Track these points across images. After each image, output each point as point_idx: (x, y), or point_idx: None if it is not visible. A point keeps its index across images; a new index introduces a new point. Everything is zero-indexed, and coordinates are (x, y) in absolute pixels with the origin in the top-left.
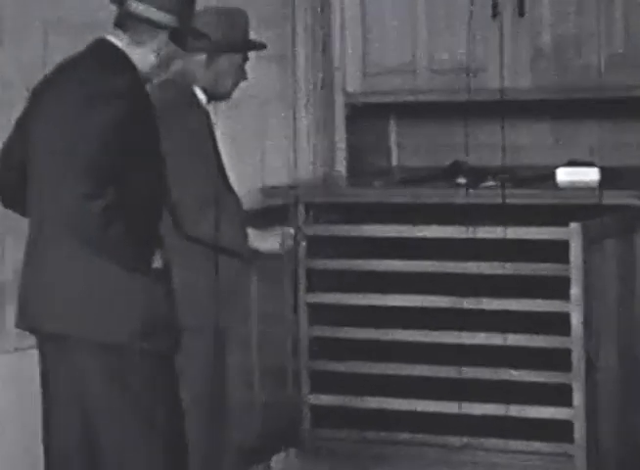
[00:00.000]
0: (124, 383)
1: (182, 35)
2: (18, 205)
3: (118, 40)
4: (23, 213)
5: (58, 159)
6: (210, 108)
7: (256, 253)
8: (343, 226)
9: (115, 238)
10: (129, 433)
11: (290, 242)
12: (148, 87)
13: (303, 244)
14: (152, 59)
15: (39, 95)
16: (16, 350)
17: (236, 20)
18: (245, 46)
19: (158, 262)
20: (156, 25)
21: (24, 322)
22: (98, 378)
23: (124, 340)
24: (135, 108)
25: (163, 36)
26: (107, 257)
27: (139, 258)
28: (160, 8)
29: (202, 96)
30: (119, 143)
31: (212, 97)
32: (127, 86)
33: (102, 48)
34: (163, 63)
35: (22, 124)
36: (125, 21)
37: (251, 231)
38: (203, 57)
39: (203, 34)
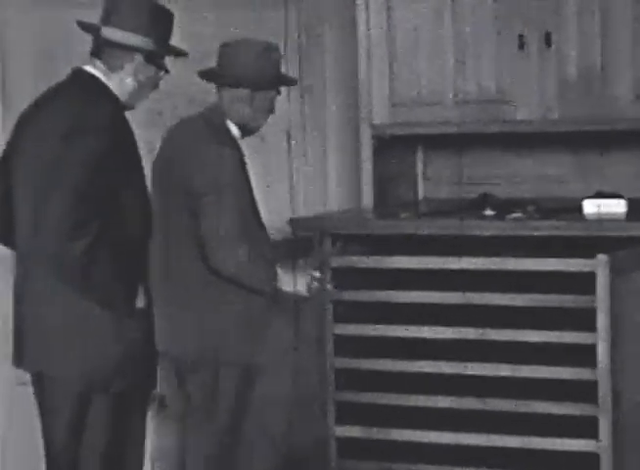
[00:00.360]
0: (97, 420)
1: (159, 57)
2: (8, 240)
3: (95, 69)
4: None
5: (38, 196)
6: (243, 142)
7: (282, 293)
8: (369, 258)
9: (98, 279)
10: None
11: (316, 285)
12: (179, 121)
13: (330, 286)
14: (130, 84)
15: (21, 128)
16: None
17: (272, 55)
18: (280, 82)
19: (140, 302)
20: (129, 49)
21: (17, 361)
22: (69, 414)
23: (100, 380)
24: (115, 139)
25: (139, 59)
26: (89, 298)
27: (122, 299)
28: (133, 31)
29: (235, 131)
30: (101, 177)
31: (245, 132)
32: (105, 118)
33: (79, 79)
34: (143, 87)
35: (5, 157)
36: (100, 48)
37: (279, 271)
38: (245, 92)
39: (182, 52)
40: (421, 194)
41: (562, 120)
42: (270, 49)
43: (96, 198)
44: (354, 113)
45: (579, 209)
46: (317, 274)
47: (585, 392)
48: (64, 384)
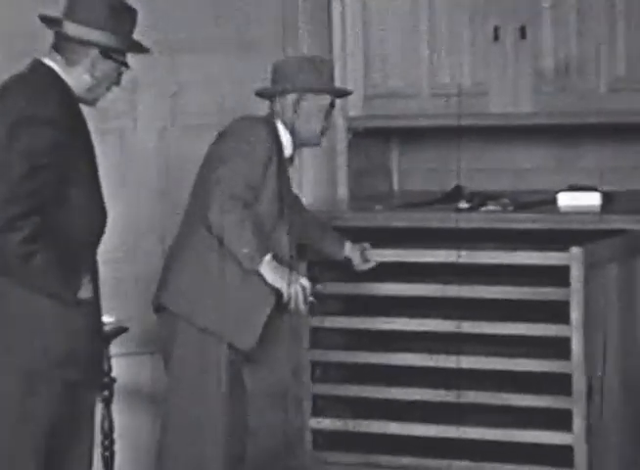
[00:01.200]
0: (39, 410)
1: (118, 52)
2: None
3: (53, 62)
4: None
5: None
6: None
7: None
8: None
9: (38, 270)
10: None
11: (299, 289)
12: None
13: (311, 299)
14: (86, 79)
15: None
16: None
17: (321, 65)
18: (328, 90)
19: (86, 292)
20: (85, 44)
21: None
22: (18, 400)
23: (42, 368)
24: (63, 133)
25: (95, 54)
26: (29, 288)
27: (64, 288)
28: (90, 26)
29: (286, 137)
30: (45, 170)
31: (298, 142)
32: (55, 112)
33: (35, 70)
34: (101, 83)
35: None
36: (59, 42)
37: (269, 256)
38: (292, 97)
39: (144, 48)
40: (396, 186)
41: (536, 113)
42: (318, 61)
43: (39, 190)
44: None
45: (554, 201)
46: (303, 281)
47: (559, 384)
48: (6, 373)
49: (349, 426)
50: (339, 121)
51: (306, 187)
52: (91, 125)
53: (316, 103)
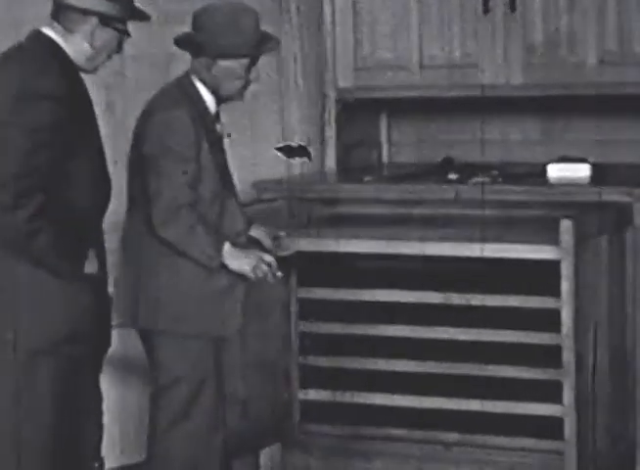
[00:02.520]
0: (45, 386)
1: (117, 20)
2: None
3: (53, 31)
4: None
5: None
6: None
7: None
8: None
9: (43, 247)
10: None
11: (264, 269)
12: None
13: (279, 274)
14: (86, 48)
15: None
16: None
17: (243, 22)
18: (250, 50)
19: (91, 267)
20: (84, 12)
21: None
22: (27, 380)
23: (47, 344)
24: (67, 109)
25: (94, 22)
26: (34, 264)
27: (68, 265)
28: None
29: (208, 97)
30: (49, 146)
31: (221, 99)
32: (58, 86)
33: (35, 41)
34: (101, 51)
35: None
36: (58, 10)
37: (227, 246)
38: (207, 60)
39: (144, 16)
40: (385, 158)
41: (526, 85)
42: (240, 15)
43: (43, 167)
44: (319, 76)
45: (543, 173)
46: (267, 258)
47: (547, 357)
48: (12, 350)
49: (337, 397)
50: (328, 92)
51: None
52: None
53: (235, 62)
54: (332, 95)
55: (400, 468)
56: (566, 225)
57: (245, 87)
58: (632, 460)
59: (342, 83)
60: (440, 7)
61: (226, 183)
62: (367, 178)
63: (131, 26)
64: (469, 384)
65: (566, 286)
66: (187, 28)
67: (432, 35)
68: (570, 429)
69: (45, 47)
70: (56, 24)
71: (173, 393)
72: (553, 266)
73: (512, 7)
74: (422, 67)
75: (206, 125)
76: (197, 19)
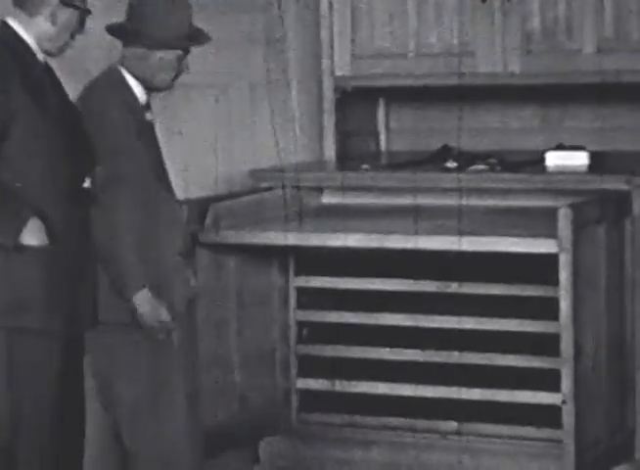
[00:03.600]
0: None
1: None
2: None
3: (16, 19)
4: None
5: None
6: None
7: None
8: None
9: None
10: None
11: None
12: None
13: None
14: (48, 28)
15: None
16: None
17: (179, 13)
18: (183, 42)
19: (31, 239)
20: None
21: None
22: None
23: None
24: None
25: (54, 2)
26: None
27: (1, 234)
28: None
29: (137, 88)
30: None
31: (150, 89)
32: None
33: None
34: (62, 31)
35: None
36: None
37: (144, 291)
38: (139, 50)
39: None
40: (383, 146)
41: (524, 73)
42: (172, 5)
43: None
44: (316, 65)
45: (542, 161)
46: (164, 317)
47: (545, 346)
48: None
49: (336, 386)
50: (326, 81)
51: (294, 147)
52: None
53: (171, 53)
54: (329, 84)
55: (398, 457)
56: (564, 214)
57: (174, 79)
58: (631, 448)
59: (339, 72)
60: None
61: (160, 177)
62: (365, 166)
63: None
64: (467, 373)
65: (564, 275)
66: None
67: (429, 23)
68: (568, 417)
69: (5, 37)
70: (18, 12)
71: None
72: (551, 255)
73: None
74: (419, 55)
75: (136, 115)
76: (133, 8)
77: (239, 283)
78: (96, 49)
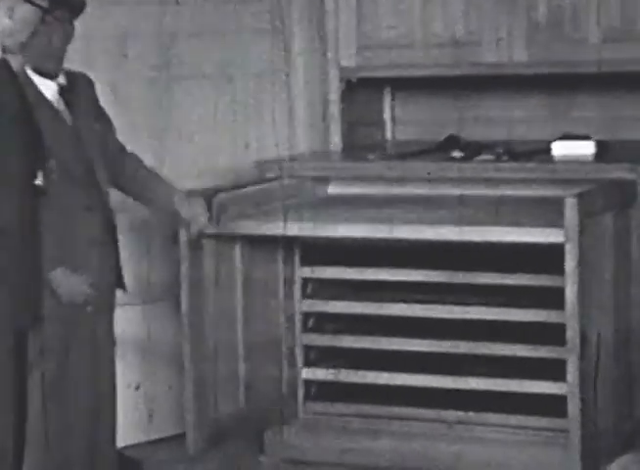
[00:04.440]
0: None
1: None
2: None
3: None
4: None
5: None
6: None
7: None
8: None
9: None
10: None
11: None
12: None
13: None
14: (7, 23)
15: None
16: None
17: None
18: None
19: None
20: None
21: None
22: None
23: None
24: None
25: None
26: None
27: None
28: None
29: (36, 78)
30: None
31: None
32: None
33: None
34: (22, 26)
35: None
36: None
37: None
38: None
39: None
40: (389, 136)
41: (530, 63)
42: None
43: None
44: (322, 55)
45: (548, 150)
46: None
47: (550, 335)
48: None
49: (342, 376)
50: (332, 71)
51: (300, 137)
52: None
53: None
54: (335, 74)
55: (405, 446)
56: (570, 203)
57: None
58: (637, 438)
59: (345, 62)
60: None
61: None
62: (371, 156)
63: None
64: (473, 362)
65: (570, 265)
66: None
67: (435, 13)
68: (574, 407)
69: None
70: None
71: None
72: (558, 244)
73: None
74: (425, 45)
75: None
76: None
77: (244, 273)
78: None
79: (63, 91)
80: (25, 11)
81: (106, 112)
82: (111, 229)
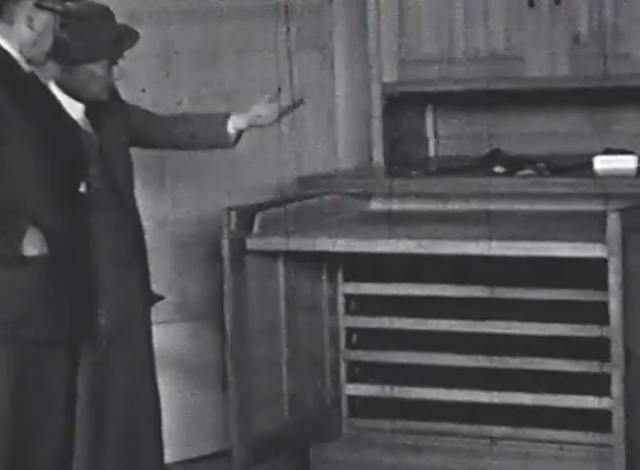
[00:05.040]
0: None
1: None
2: None
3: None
4: None
5: None
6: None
7: None
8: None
9: None
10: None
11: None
12: None
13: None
14: (27, 33)
15: None
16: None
17: (96, 23)
18: (108, 52)
19: (32, 249)
20: None
21: None
22: None
23: None
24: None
25: (29, 6)
26: None
27: (1, 246)
28: None
29: (67, 100)
30: None
31: (83, 101)
32: None
33: None
34: (43, 35)
35: None
36: (2, 7)
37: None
38: (67, 67)
39: None
40: (431, 152)
41: (572, 77)
42: (95, 17)
43: None
44: (364, 71)
45: (590, 165)
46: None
47: (591, 350)
48: None
49: (385, 392)
50: (374, 87)
51: (342, 153)
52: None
53: (94, 65)
54: (377, 89)
55: (449, 462)
56: (613, 218)
57: (108, 87)
58: None
59: (387, 78)
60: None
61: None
62: (413, 172)
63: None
64: (517, 378)
65: (614, 280)
66: (230, 23)
67: (477, 28)
68: (618, 422)
69: None
70: (1, 25)
71: None
72: (600, 259)
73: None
74: (467, 60)
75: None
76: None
77: (288, 289)
78: None
79: (89, 111)
80: (45, 17)
81: (127, 103)
82: (138, 249)
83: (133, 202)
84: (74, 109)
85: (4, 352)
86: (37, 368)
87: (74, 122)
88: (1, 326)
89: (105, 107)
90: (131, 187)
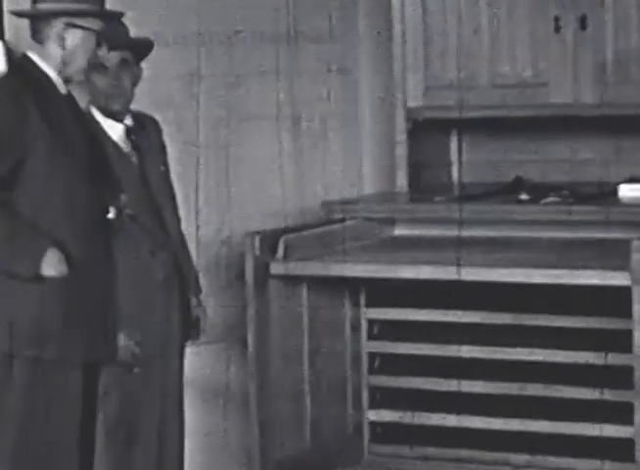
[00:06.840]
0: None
1: (81, 19)
2: None
3: (34, 51)
4: None
5: None
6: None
7: None
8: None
9: None
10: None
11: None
12: None
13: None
14: (58, 51)
15: None
16: None
17: None
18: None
19: (51, 269)
20: (46, 17)
21: None
22: None
23: (7, 348)
24: (14, 118)
25: (60, 25)
26: None
27: (18, 265)
28: (48, 1)
29: (101, 118)
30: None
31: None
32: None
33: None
34: (75, 53)
35: None
36: (33, 28)
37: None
38: None
39: (115, 13)
40: (455, 178)
41: (597, 104)
42: None
43: None
44: (389, 96)
45: (615, 193)
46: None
47: (614, 378)
48: None
49: (407, 418)
50: (398, 112)
51: (366, 178)
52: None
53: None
54: (402, 114)
55: None
56: (637, 246)
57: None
58: None
59: (411, 103)
60: (511, 26)
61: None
62: (437, 198)
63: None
64: (539, 405)
65: (638, 307)
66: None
67: (502, 54)
68: None
69: (22, 68)
70: (34, 43)
71: None
72: (624, 287)
73: (583, 25)
74: (492, 86)
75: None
76: None
77: (310, 314)
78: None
79: (129, 132)
80: (76, 36)
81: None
82: (175, 273)
83: (176, 223)
84: (114, 129)
85: (17, 370)
86: (50, 387)
87: (114, 143)
88: (15, 343)
89: (145, 133)
90: (174, 208)
